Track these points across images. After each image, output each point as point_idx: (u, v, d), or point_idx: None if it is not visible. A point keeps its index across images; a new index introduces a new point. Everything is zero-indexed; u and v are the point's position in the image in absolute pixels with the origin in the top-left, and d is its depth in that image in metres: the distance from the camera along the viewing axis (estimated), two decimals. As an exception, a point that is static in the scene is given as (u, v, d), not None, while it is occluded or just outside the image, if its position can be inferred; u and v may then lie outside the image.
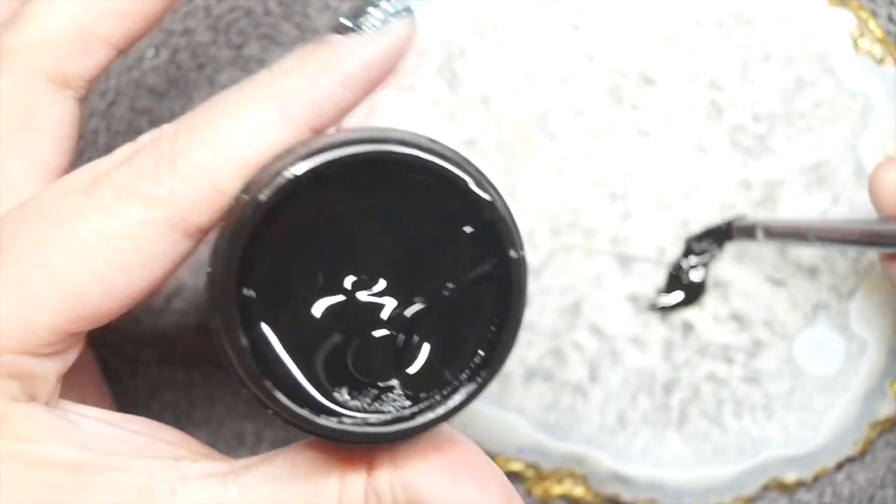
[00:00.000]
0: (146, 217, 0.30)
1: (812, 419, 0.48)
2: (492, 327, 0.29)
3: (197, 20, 0.47)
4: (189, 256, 0.31)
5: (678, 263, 0.47)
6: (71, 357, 0.32)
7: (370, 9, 0.31)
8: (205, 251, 0.31)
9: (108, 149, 0.46)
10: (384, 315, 0.29)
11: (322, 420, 0.29)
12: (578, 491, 0.48)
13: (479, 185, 0.29)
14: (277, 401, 0.29)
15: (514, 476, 0.48)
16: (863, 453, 0.48)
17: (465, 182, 0.29)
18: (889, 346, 0.47)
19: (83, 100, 0.35)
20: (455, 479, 0.30)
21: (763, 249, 0.47)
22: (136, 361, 0.49)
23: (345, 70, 0.30)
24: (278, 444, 0.49)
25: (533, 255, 0.47)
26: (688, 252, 0.47)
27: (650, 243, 0.47)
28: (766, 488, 0.48)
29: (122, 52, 0.35)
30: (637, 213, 0.47)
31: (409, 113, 0.47)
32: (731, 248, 0.47)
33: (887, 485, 0.48)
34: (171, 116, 0.47)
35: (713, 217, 0.47)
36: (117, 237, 0.30)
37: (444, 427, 0.30)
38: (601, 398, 0.47)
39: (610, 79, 0.47)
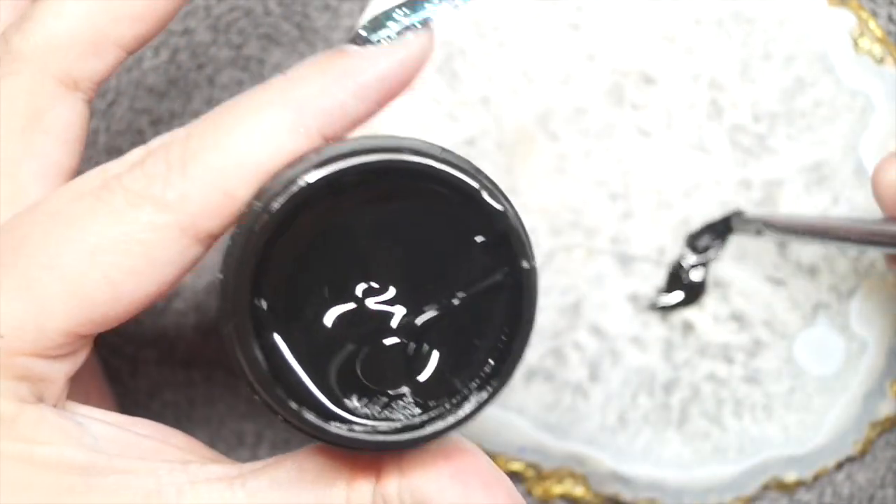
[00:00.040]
0: (156, 221, 0.29)
1: (812, 419, 0.48)
2: (502, 337, 0.29)
3: (197, 20, 0.47)
4: (199, 262, 0.31)
5: (679, 263, 0.47)
6: (80, 359, 0.32)
7: (388, 22, 0.30)
8: (207, 254, 0.31)
9: (108, 149, 0.46)
10: (394, 323, 0.29)
11: (333, 427, 0.29)
12: (579, 491, 0.48)
13: (491, 195, 0.29)
14: (289, 408, 0.29)
15: (514, 476, 0.48)
16: (863, 453, 0.48)
17: (477, 192, 0.28)
18: (889, 346, 0.47)
19: (91, 102, 0.35)
20: (465, 487, 0.30)
21: (763, 249, 0.47)
22: (137, 361, 0.49)
23: (360, 81, 0.30)
24: (278, 443, 0.49)
25: (533, 254, 0.47)
26: (693, 245, 0.47)
27: (650, 243, 0.47)
28: (766, 488, 0.48)
29: (130, 53, 0.34)
30: (637, 212, 0.47)
31: (409, 112, 0.47)
32: (732, 249, 0.47)
33: (887, 485, 0.48)
34: (171, 116, 0.47)
35: (713, 217, 0.47)
36: (127, 241, 0.29)
37: (453, 434, 0.30)
38: (601, 398, 0.48)
39: (610, 78, 0.47)
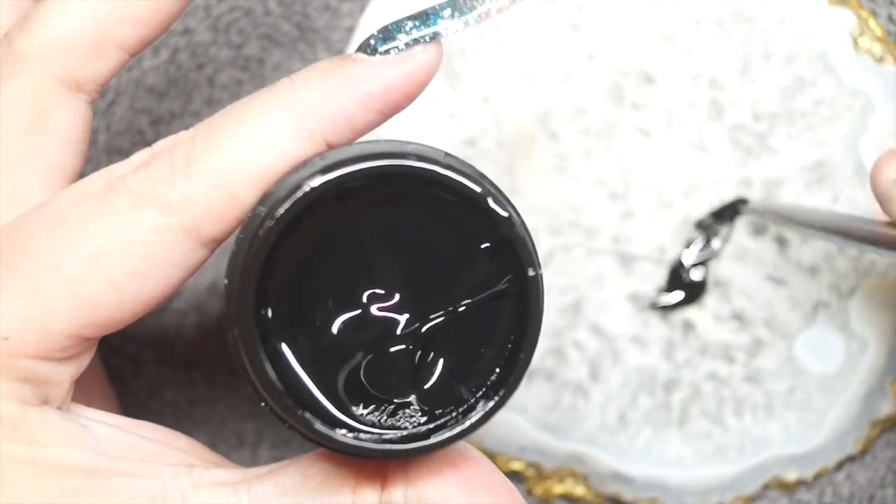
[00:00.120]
0: (160, 224, 0.29)
1: (812, 418, 0.48)
2: (508, 345, 0.29)
3: (197, 20, 0.47)
4: (202, 266, 0.31)
5: (679, 262, 0.47)
6: (84, 361, 0.32)
7: (398, 34, 0.30)
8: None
9: (109, 148, 0.46)
10: (400, 330, 0.29)
11: (339, 435, 0.29)
12: (579, 490, 0.48)
13: (496, 201, 0.28)
14: (295, 415, 0.28)
15: (514, 475, 0.48)
16: (863, 452, 0.48)
17: (482, 198, 0.28)
18: (889, 345, 0.47)
19: (93, 103, 0.35)
20: (471, 495, 0.30)
21: (763, 249, 0.47)
22: (137, 361, 0.49)
23: (365, 89, 0.30)
24: (279, 444, 0.49)
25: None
26: (706, 228, 0.47)
27: (651, 242, 0.47)
28: (766, 487, 0.48)
29: (132, 56, 0.34)
30: (638, 212, 0.47)
31: (409, 112, 0.47)
32: (732, 248, 0.47)
33: (887, 484, 0.48)
34: (171, 116, 0.47)
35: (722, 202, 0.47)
36: (131, 243, 0.29)
37: (459, 442, 0.30)
38: (602, 397, 0.48)
39: (610, 78, 0.47)
